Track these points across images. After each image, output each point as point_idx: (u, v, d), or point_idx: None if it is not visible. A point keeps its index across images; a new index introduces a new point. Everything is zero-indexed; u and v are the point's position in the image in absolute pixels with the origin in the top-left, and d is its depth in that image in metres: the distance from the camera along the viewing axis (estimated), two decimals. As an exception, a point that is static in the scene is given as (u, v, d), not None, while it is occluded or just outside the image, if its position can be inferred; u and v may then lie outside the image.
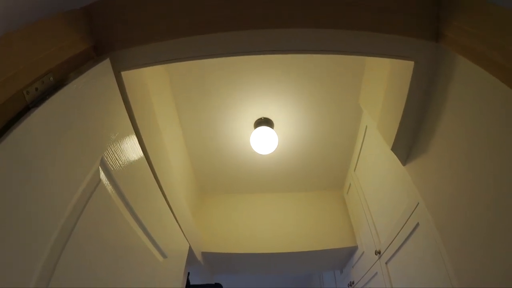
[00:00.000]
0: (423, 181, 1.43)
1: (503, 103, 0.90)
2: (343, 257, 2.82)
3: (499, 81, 0.84)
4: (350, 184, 2.80)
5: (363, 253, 2.44)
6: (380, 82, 1.74)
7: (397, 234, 1.73)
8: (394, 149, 1.54)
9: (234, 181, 2.97)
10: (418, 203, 1.47)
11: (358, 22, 1.09)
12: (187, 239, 1.90)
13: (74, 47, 0.94)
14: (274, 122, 2.40)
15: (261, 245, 2.61)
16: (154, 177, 1.44)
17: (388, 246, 1.86)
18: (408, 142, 1.50)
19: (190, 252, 2.07)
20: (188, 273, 3.09)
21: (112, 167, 1.02)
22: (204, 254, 2.55)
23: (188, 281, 3.61)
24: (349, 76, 2.13)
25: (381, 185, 2.02)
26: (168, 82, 2.08)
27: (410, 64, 1.23)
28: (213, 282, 3.87)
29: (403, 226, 1.65)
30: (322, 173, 2.93)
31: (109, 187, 1.00)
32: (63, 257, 0.73)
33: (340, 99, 2.27)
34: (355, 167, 2.63)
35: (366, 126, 2.26)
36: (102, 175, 0.96)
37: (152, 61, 1.18)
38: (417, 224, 1.50)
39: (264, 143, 2.32)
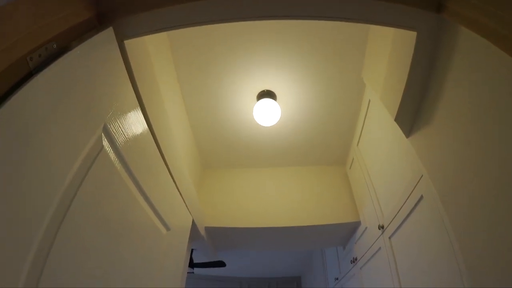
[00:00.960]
0: (427, 153, 1.40)
1: (506, 73, 0.90)
2: (345, 233, 2.83)
3: (501, 51, 0.84)
4: (353, 159, 2.79)
5: (366, 228, 2.44)
6: (383, 56, 1.72)
7: (401, 207, 1.71)
8: (397, 119, 1.51)
9: (237, 155, 2.97)
10: (422, 175, 1.45)
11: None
12: (190, 213, 1.91)
13: (77, 16, 0.94)
14: (277, 95, 2.37)
15: (264, 219, 2.62)
16: (157, 148, 1.43)
17: (392, 220, 1.85)
18: (412, 113, 1.48)
19: (194, 226, 2.07)
20: (192, 250, 3.13)
21: (115, 135, 1.01)
22: (207, 229, 2.56)
23: (191, 259, 3.66)
24: (352, 51, 2.10)
25: (385, 158, 2.00)
26: (170, 54, 2.05)
27: (413, 34, 1.24)
28: (216, 259, 3.94)
29: (406, 199, 1.64)
30: (324, 147, 2.92)
31: (112, 155, 0.99)
32: (65, 224, 0.74)
33: (343, 73, 2.23)
34: (358, 141, 2.61)
35: (369, 100, 2.24)
36: (105, 142, 0.96)
37: (154, 28, 1.17)
38: (421, 197, 1.48)
39: (267, 114, 2.31)
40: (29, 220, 0.63)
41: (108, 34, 1.05)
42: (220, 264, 4.07)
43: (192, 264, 3.88)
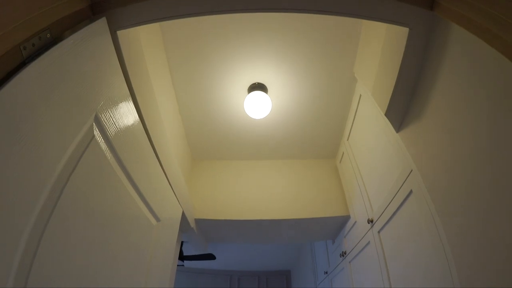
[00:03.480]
0: (416, 148, 1.42)
1: (497, 71, 0.91)
2: (335, 227, 2.85)
3: (493, 49, 0.86)
4: (343, 153, 2.80)
5: (355, 222, 2.46)
6: (375, 52, 1.73)
7: (390, 202, 1.73)
8: (388, 114, 1.52)
9: (227, 147, 2.97)
10: (412, 170, 1.47)
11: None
12: (180, 204, 1.90)
13: (71, 5, 0.94)
14: (268, 88, 2.37)
15: (254, 212, 2.63)
16: (148, 138, 1.43)
17: (381, 215, 1.87)
18: (402, 108, 1.49)
19: (184, 218, 2.07)
20: (182, 243, 3.13)
21: (106, 124, 1.01)
22: (197, 221, 2.56)
23: (181, 251, 3.67)
24: (345, 45, 2.10)
25: (374, 153, 2.02)
26: (162, 45, 2.04)
27: (405, 30, 1.26)
28: (206, 252, 3.95)
29: (396, 194, 1.65)
30: (315, 141, 2.94)
31: (102, 144, 0.99)
32: (55, 213, 0.74)
33: (335, 68, 2.24)
34: (348, 136, 2.62)
35: (360, 95, 2.25)
36: (96, 131, 0.96)
37: (147, 19, 1.16)
38: (410, 192, 1.49)
39: (257, 107, 2.31)
40: (19, 209, 0.63)
41: (101, 24, 1.04)
42: (210, 257, 4.09)
43: (182, 257, 3.89)
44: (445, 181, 1.19)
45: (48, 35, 0.83)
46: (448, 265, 1.16)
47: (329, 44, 2.08)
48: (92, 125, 0.93)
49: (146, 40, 1.66)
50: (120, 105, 1.13)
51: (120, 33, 1.17)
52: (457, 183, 1.11)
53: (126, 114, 1.17)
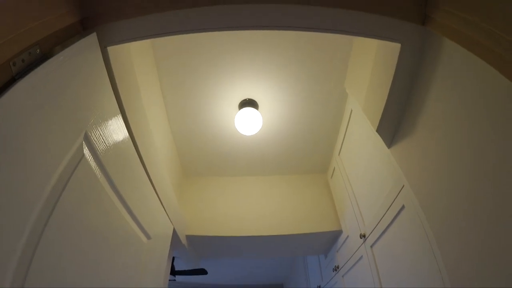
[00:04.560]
0: (408, 163, 1.42)
1: (490, 86, 0.91)
2: (327, 242, 2.83)
3: (487, 64, 0.85)
4: (334, 168, 2.80)
5: (347, 237, 2.44)
6: (366, 67, 1.73)
7: (382, 217, 1.73)
8: (379, 130, 1.52)
9: (218, 164, 2.95)
10: (403, 185, 1.47)
11: (346, 0, 1.09)
12: (171, 221, 1.88)
13: (61, 21, 0.94)
14: (259, 104, 2.37)
15: (245, 228, 2.60)
16: (138, 156, 1.42)
17: (373, 229, 1.86)
18: (394, 124, 1.50)
19: (175, 234, 2.05)
20: (173, 258, 3.09)
21: (96, 143, 1.00)
22: (189, 237, 2.53)
23: (173, 266, 3.61)
24: (335, 60, 2.11)
25: (366, 168, 2.02)
26: (153, 62, 2.03)
27: (397, 46, 1.25)
28: (199, 267, 3.90)
29: (388, 209, 1.65)
30: (306, 156, 2.93)
31: (92, 163, 0.98)
32: (46, 233, 0.73)
33: (325, 83, 2.25)
34: (340, 151, 2.63)
35: (351, 110, 2.26)
36: (86, 150, 0.95)
37: (138, 35, 1.17)
38: (403, 207, 1.49)
39: (248, 124, 2.30)
40: (10, 229, 0.62)
41: (91, 40, 1.04)
42: (202, 272, 4.03)
43: (173, 272, 3.83)
44: (438, 196, 1.19)
45: (38, 50, 0.82)
46: (442, 280, 1.16)
47: (320, 59, 2.09)
48: (82, 143, 0.92)
49: (137, 56, 1.66)
50: (110, 122, 1.12)
51: (111, 49, 1.17)
52: (450, 198, 1.11)
53: (116, 132, 1.16)
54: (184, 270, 4.01)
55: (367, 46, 1.75)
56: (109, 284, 1.04)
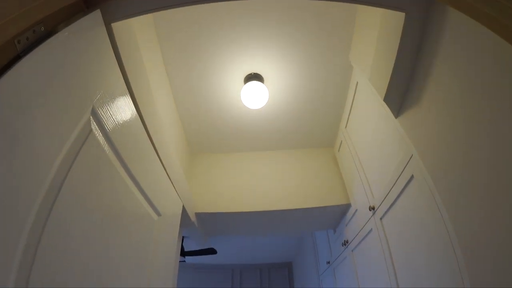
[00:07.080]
0: (416, 132, 1.41)
1: (494, 54, 0.90)
2: (336, 216, 2.85)
3: (491, 32, 0.85)
4: (341, 141, 2.80)
5: (356, 210, 2.46)
6: (371, 37, 1.71)
7: (391, 188, 1.72)
8: (386, 100, 1.51)
9: (225, 139, 2.96)
10: (412, 155, 1.46)
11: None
12: (180, 198, 1.89)
13: None
14: (265, 78, 2.36)
15: (253, 203, 2.62)
16: (146, 132, 1.42)
17: (382, 201, 1.86)
18: (401, 93, 1.48)
19: (184, 212, 2.06)
20: (183, 238, 3.12)
21: (104, 118, 0.99)
22: (198, 214, 2.56)
23: (182, 247, 3.65)
24: (340, 32, 2.09)
25: (373, 140, 2.01)
26: (156, 40, 2.02)
27: (401, 15, 1.25)
28: (207, 247, 3.95)
29: (397, 180, 1.65)
30: (313, 130, 2.93)
31: (100, 138, 0.97)
32: (55, 211, 0.73)
33: (330, 55, 2.23)
34: (346, 124, 2.61)
35: (357, 82, 2.23)
36: (94, 125, 0.94)
37: (142, 10, 1.15)
38: (412, 177, 1.49)
39: (254, 97, 2.30)
40: (17, 207, 0.62)
41: (95, 17, 1.03)
42: (212, 251, 4.08)
43: (183, 253, 3.88)
44: (447, 164, 1.18)
45: (42, 28, 0.82)
46: (454, 250, 1.15)
47: (324, 32, 2.06)
48: (90, 118, 0.92)
49: (139, 32, 1.64)
50: (117, 98, 1.11)
51: (115, 25, 1.16)
52: (459, 166, 1.10)
53: (123, 107, 1.15)
54: (194, 251, 4.06)
55: (371, 17, 1.73)
56: (120, 264, 1.04)
